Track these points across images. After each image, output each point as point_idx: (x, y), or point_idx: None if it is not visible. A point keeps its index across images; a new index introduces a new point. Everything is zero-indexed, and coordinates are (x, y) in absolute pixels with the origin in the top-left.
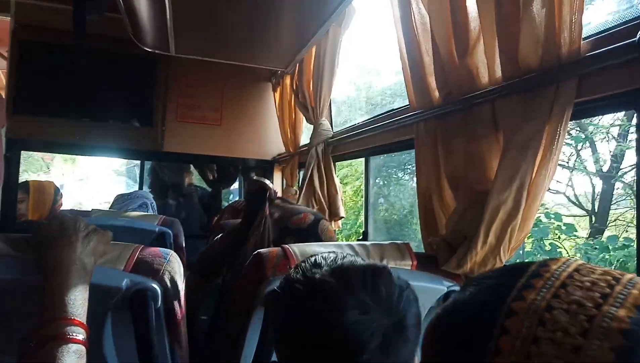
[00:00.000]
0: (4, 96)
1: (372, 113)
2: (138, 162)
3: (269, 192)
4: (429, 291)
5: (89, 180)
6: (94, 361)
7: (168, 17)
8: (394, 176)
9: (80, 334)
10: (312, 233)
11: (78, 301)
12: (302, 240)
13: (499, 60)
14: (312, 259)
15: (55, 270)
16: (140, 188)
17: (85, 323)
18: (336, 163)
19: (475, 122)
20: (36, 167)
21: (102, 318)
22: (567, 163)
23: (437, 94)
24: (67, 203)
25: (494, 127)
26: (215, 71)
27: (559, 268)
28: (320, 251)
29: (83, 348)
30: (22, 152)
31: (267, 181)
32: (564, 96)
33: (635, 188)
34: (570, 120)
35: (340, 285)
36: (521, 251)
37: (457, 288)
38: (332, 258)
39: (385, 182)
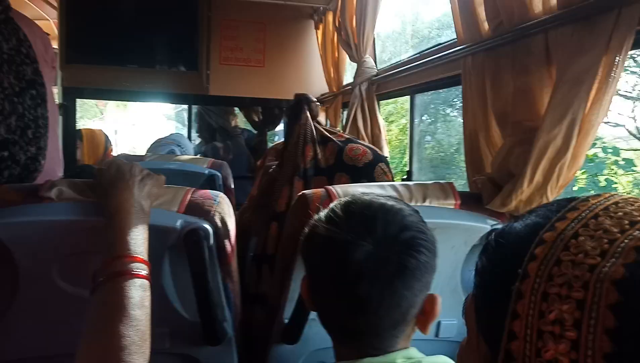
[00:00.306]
0: (56, 46)
1: (419, 48)
2: (186, 106)
3: (308, 104)
4: (472, 229)
5: (141, 125)
6: (155, 294)
7: None
8: (441, 112)
9: (143, 270)
10: (366, 173)
11: (139, 240)
12: (354, 179)
13: None
14: (346, 197)
15: (117, 213)
16: (189, 131)
17: (147, 259)
18: (381, 101)
19: (526, 55)
20: (91, 113)
21: (160, 256)
22: (631, 92)
23: (486, 25)
24: (121, 147)
25: (547, 60)
26: (257, 11)
27: (597, 202)
28: (365, 192)
29: (147, 282)
30: (77, 100)
31: (309, 96)
32: (625, 23)
33: None
34: (632, 49)
35: (344, 213)
36: (574, 188)
37: (500, 227)
38: (358, 195)
39: (432, 119)
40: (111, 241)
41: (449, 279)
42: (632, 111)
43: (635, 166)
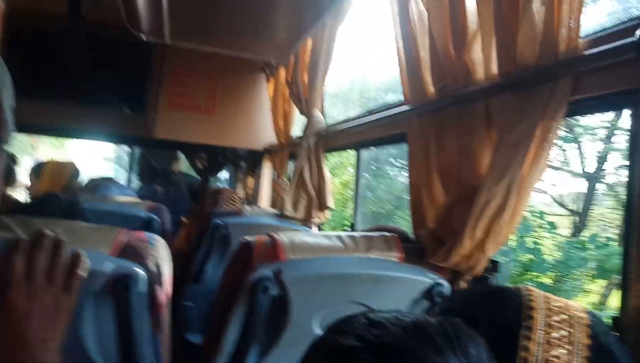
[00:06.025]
0: None
1: (366, 107)
2: (128, 149)
3: None
4: (414, 283)
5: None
6: (73, 346)
7: (163, 3)
8: (381, 170)
9: None
10: None
11: None
12: None
13: (496, 56)
14: (363, 319)
15: None
16: (129, 174)
17: None
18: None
19: (468, 118)
20: (22, 150)
21: (82, 302)
22: (552, 162)
23: (432, 88)
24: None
25: (487, 123)
26: (210, 61)
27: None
28: (310, 241)
29: None
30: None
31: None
32: (559, 93)
33: (626, 188)
34: (565, 118)
35: (424, 344)
36: (505, 247)
37: (442, 282)
38: (393, 316)
39: (373, 176)
40: None
41: None
42: (554, 179)
43: (556, 228)
